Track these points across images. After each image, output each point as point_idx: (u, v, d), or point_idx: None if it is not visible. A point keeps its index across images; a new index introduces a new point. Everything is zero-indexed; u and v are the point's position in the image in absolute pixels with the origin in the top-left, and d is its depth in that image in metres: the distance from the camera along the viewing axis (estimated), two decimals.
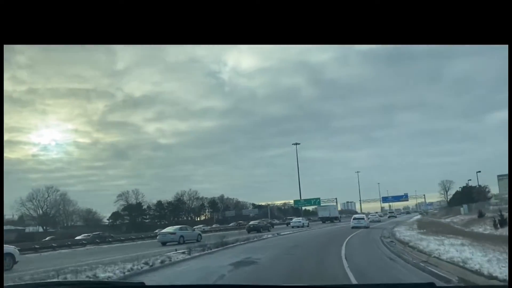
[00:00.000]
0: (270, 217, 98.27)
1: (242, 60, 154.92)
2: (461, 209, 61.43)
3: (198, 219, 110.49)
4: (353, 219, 46.70)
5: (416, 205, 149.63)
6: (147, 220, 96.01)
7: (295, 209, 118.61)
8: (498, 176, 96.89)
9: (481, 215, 40.38)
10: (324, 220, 75.89)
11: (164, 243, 30.97)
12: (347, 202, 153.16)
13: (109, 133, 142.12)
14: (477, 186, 74.42)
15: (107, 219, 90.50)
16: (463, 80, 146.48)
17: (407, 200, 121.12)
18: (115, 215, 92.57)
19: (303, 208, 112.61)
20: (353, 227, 41.17)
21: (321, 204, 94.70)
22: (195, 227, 50.51)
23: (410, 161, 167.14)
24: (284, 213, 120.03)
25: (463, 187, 77.39)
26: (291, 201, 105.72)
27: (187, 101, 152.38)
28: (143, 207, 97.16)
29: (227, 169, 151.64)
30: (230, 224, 76.05)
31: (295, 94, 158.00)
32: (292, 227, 54.26)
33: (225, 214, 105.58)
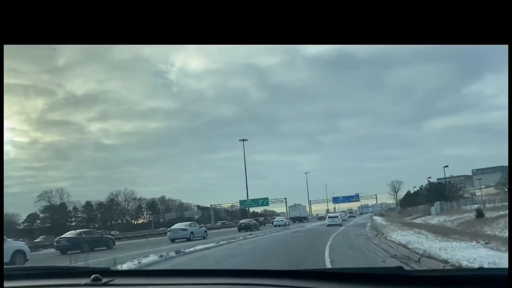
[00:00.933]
0: (216, 219, 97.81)
1: (190, 61, 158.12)
2: (432, 208, 48.74)
3: (135, 222, 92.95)
4: (328, 217, 51.38)
5: (358, 207, 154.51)
6: (72, 224, 78.30)
7: (242, 211, 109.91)
8: (438, 179, 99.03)
9: (480, 214, 33.69)
10: (294, 220, 79.13)
11: (173, 240, 30.84)
12: (295, 204, 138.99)
13: (49, 132, 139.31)
14: (446, 182, 62.63)
15: (22, 222, 72.00)
16: (402, 89, 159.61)
17: (358, 201, 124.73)
18: (32, 217, 74.50)
19: (252, 210, 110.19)
20: (328, 225, 43.95)
21: (269, 204, 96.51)
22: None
23: (355, 165, 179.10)
24: (231, 215, 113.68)
25: (430, 183, 65.86)
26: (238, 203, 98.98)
27: (132, 100, 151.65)
28: (68, 209, 78.94)
29: (174, 171, 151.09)
30: (161, 228, 66.55)
31: (244, 97, 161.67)
32: (275, 226, 57.98)
33: (164, 216, 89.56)
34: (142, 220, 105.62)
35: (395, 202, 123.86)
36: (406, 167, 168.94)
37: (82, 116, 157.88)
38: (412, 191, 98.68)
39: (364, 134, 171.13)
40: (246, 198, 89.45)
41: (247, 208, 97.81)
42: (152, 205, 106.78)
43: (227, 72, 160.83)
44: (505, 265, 9.97)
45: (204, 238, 32.10)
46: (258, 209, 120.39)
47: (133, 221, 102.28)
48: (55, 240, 29.39)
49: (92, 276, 2.09)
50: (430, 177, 78.82)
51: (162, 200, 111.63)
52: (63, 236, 28.12)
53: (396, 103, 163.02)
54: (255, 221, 54.71)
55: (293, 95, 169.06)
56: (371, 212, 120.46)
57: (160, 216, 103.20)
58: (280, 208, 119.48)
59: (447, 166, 65.01)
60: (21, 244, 17.97)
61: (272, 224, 63.76)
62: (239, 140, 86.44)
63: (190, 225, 34.45)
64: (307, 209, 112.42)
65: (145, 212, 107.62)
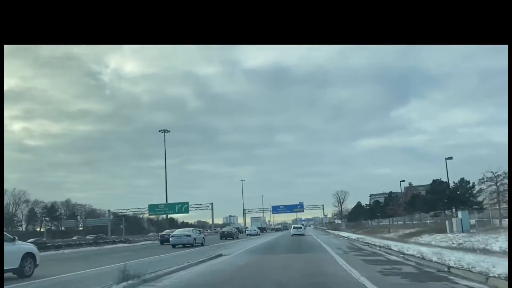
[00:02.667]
0: (129, 230, 79.38)
1: (125, 63, 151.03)
2: (454, 221, 25.65)
3: (26, 229, 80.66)
4: (293, 228, 53.52)
5: (293, 220, 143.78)
6: None
7: (170, 220, 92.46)
8: (371, 195, 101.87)
9: None
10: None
11: (174, 246, 30.14)
12: (230, 215, 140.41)
13: None
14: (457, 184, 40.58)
15: None
16: (335, 108, 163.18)
17: (303, 211, 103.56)
18: None
19: (182, 219, 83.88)
20: (293, 235, 46.90)
21: (190, 210, 74.57)
22: None
23: (292, 179, 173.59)
24: (156, 225, 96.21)
25: (434, 183, 44.33)
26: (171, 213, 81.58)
27: (61, 100, 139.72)
28: None
29: (105, 177, 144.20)
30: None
31: (181, 105, 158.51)
32: (247, 235, 60.49)
33: (62, 224, 63.74)
34: (39, 228, 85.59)
35: (339, 214, 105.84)
36: (341, 183, 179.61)
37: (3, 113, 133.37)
38: (368, 202, 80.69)
39: (300, 150, 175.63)
40: (165, 202, 66.45)
41: (168, 216, 76.12)
42: (51, 210, 79.39)
43: (164, 78, 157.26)
44: None
45: (202, 245, 31.40)
46: (191, 220, 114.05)
47: (22, 228, 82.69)
48: (161, 234, 39.17)
49: None
50: (403, 180, 59.11)
51: (66, 205, 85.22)
52: (165, 232, 39.01)
53: (330, 121, 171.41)
54: (236, 229, 58.97)
55: (232, 107, 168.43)
56: (310, 226, 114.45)
57: (59, 223, 76.41)
58: (209, 218, 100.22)
59: (450, 158, 41.85)
60: (31, 246, 14.25)
61: (245, 233, 67.77)
62: (159, 131, 71.47)
63: (193, 231, 33.91)
64: (239, 220, 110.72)
65: (41, 218, 79.71)
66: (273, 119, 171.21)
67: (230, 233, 49.08)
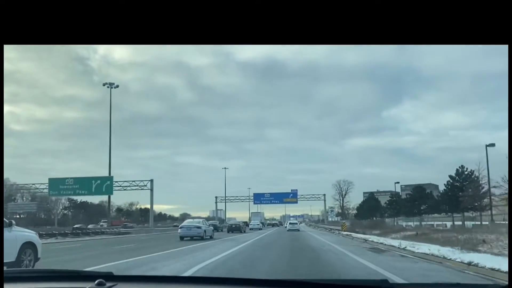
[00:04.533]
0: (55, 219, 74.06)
1: (115, 49, 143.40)
2: None
3: None
4: (289, 223, 56.35)
5: (281, 216, 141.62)
6: None
7: (144, 211, 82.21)
8: (364, 192, 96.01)
9: None
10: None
11: (183, 238, 27.79)
12: (217, 209, 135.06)
13: None
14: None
15: None
16: (327, 105, 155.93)
17: (296, 202, 77.58)
18: None
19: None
20: (288, 230, 49.47)
21: (114, 190, 51.41)
22: None
23: (280, 175, 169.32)
24: (127, 215, 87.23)
25: None
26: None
27: (47, 85, 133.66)
28: None
29: (90, 165, 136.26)
30: None
31: (171, 95, 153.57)
32: (250, 229, 60.04)
33: None
34: None
35: (340, 208, 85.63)
36: (332, 181, 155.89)
37: None
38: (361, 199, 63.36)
39: (291, 146, 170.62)
40: (107, 176, 47.59)
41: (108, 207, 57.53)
42: None
43: (154, 67, 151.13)
44: None
45: (211, 238, 29.55)
46: (175, 212, 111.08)
47: None
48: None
49: (97, 281, 2.09)
50: (493, 144, 37.59)
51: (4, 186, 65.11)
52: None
53: (321, 118, 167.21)
54: (243, 223, 60.19)
55: (223, 100, 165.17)
56: (301, 223, 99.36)
57: None
58: (193, 211, 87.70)
59: None
60: (31, 234, 11.98)
61: (249, 227, 66.33)
62: (103, 85, 53.09)
63: (203, 223, 31.49)
64: (224, 215, 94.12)
65: None
66: (264, 113, 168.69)
67: (238, 227, 49.28)
